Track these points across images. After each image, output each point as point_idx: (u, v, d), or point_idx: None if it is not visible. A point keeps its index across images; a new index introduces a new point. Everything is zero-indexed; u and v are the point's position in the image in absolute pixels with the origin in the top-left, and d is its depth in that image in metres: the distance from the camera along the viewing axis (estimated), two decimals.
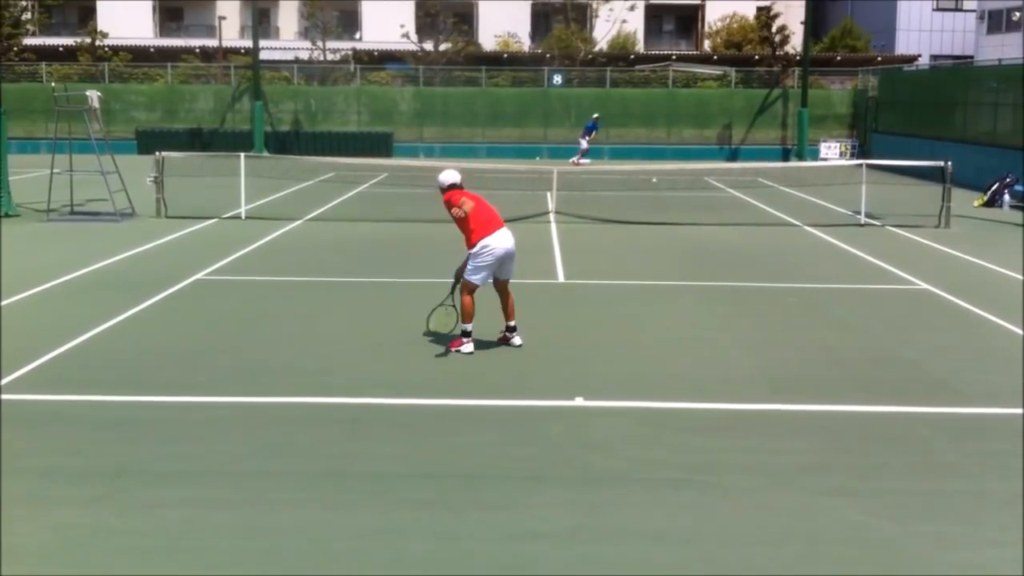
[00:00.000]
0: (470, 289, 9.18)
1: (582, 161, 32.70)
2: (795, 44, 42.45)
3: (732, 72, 40.11)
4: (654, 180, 26.57)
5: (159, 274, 12.98)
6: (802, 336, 10.21)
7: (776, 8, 43.99)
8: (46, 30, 50.43)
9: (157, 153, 19.89)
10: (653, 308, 11.53)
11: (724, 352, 9.56)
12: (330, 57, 45.20)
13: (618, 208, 20.98)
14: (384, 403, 7.84)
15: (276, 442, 6.91)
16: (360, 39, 52.61)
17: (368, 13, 55.33)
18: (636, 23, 52.99)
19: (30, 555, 5.20)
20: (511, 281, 9.54)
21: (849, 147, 36.33)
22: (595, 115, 34.21)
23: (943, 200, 18.54)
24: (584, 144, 33.32)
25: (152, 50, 45.70)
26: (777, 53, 41.42)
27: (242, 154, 21.02)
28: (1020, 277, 13.45)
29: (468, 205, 9.24)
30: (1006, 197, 22.08)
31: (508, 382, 8.48)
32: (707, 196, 24.54)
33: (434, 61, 41.38)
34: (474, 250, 9.12)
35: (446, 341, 9.62)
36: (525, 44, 52.62)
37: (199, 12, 55.97)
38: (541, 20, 55.61)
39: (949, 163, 18.90)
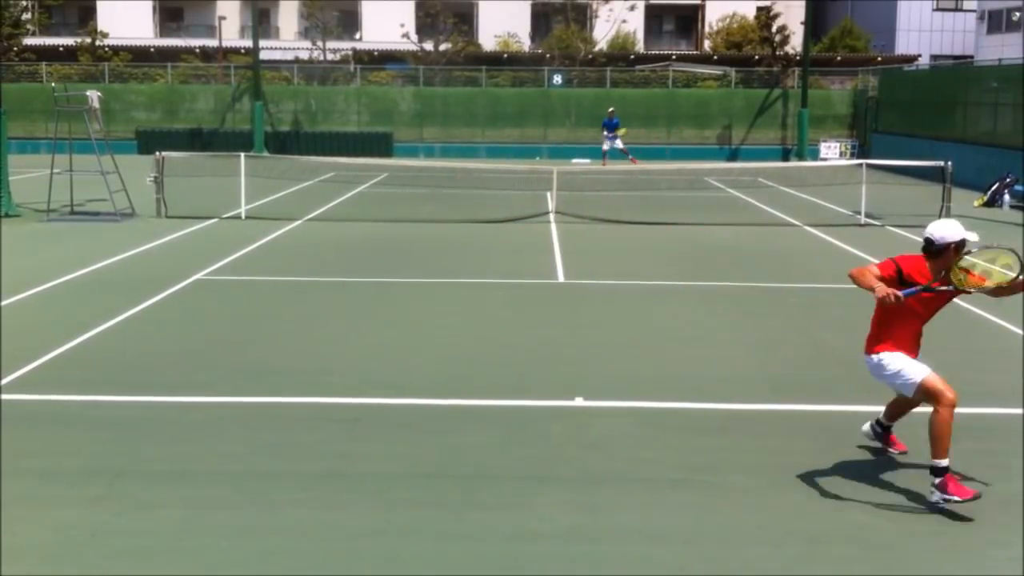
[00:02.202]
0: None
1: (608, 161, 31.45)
2: (795, 44, 42.45)
3: (732, 72, 40.11)
4: None
5: (159, 274, 12.99)
6: (802, 336, 10.21)
7: (776, 8, 43.99)
8: (46, 30, 50.44)
9: (157, 153, 19.90)
10: (653, 308, 11.53)
11: (724, 352, 9.56)
12: (330, 57, 45.21)
13: (618, 208, 20.98)
14: (384, 403, 7.84)
15: (276, 442, 6.90)
16: (360, 39, 52.60)
17: (368, 13, 55.32)
18: (636, 23, 53.00)
19: (30, 555, 5.20)
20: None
21: (849, 147, 36.33)
22: (610, 108, 33.27)
23: (943, 200, 18.54)
24: (618, 143, 31.97)
25: (152, 50, 45.72)
26: (777, 53, 41.41)
27: (242, 154, 21.02)
28: (1020, 277, 13.43)
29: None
30: (1006, 197, 22.08)
31: (508, 382, 8.48)
32: (707, 196, 24.54)
33: (434, 61, 41.38)
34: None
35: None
36: (525, 44, 52.61)
37: (199, 12, 55.97)
38: (541, 20, 55.60)
39: (949, 163, 18.90)
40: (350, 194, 23.71)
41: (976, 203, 22.29)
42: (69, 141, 19.11)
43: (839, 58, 44.54)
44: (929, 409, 5.79)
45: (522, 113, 38.20)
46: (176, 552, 5.25)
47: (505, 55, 45.67)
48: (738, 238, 17.25)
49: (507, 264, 14.38)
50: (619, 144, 32.13)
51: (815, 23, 43.38)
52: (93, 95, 19.60)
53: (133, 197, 19.19)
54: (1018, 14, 47.60)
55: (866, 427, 6.78)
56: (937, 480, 5.74)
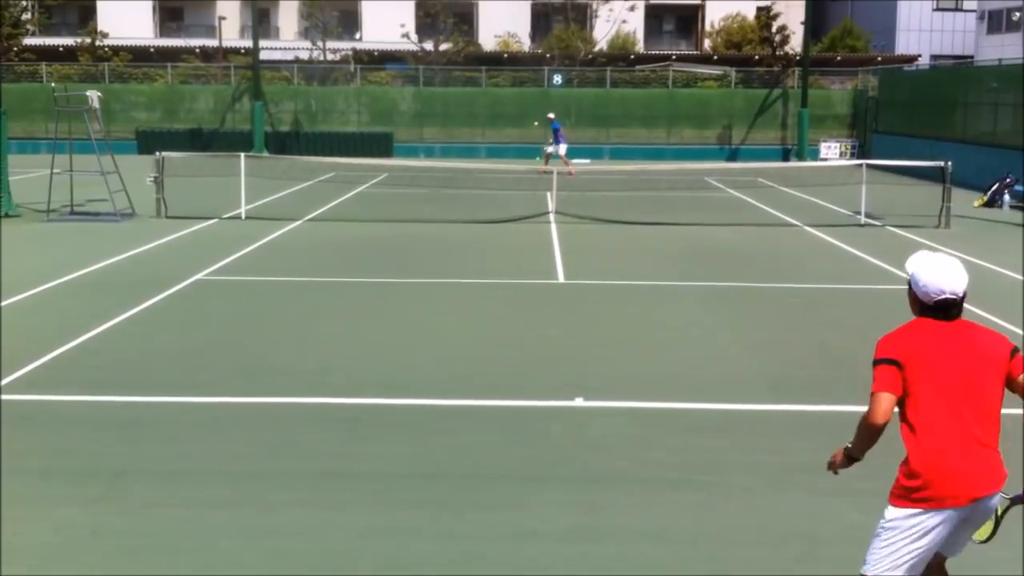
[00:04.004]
0: None
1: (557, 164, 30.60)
2: (795, 44, 42.45)
3: (732, 72, 40.10)
4: None
5: (159, 274, 12.98)
6: (802, 336, 10.21)
7: (776, 8, 43.98)
8: (46, 30, 50.39)
9: (157, 153, 19.90)
10: (653, 308, 11.53)
11: (724, 352, 9.55)
12: (330, 57, 45.20)
13: (618, 208, 20.98)
14: (384, 403, 7.84)
15: (276, 442, 6.90)
16: (360, 39, 52.58)
17: (368, 13, 55.30)
18: (636, 23, 52.98)
19: (30, 555, 5.20)
20: None
21: (849, 147, 36.33)
22: (550, 114, 31.45)
23: (943, 200, 18.55)
24: (549, 148, 30.46)
25: (152, 50, 45.70)
26: (777, 53, 41.41)
27: (242, 154, 21.02)
28: (1020, 277, 13.45)
29: (914, 383, 3.88)
30: (1006, 197, 22.08)
31: (508, 382, 8.48)
32: (707, 196, 24.54)
33: (434, 61, 41.37)
34: (891, 511, 3.92)
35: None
36: (525, 44, 52.61)
37: (199, 12, 55.95)
38: (541, 20, 55.59)
39: (949, 163, 18.91)
40: (350, 194, 23.71)
41: (976, 203, 22.29)
42: (69, 141, 19.10)
43: (839, 58, 44.53)
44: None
45: (522, 113, 38.13)
46: (176, 552, 5.25)
47: (505, 55, 45.65)
48: (738, 238, 17.25)
49: (507, 264, 14.38)
50: (549, 149, 30.66)
51: (815, 23, 43.34)
52: (93, 95, 19.59)
53: (133, 197, 19.19)
54: (1018, 14, 47.58)
55: None
56: None
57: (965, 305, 3.97)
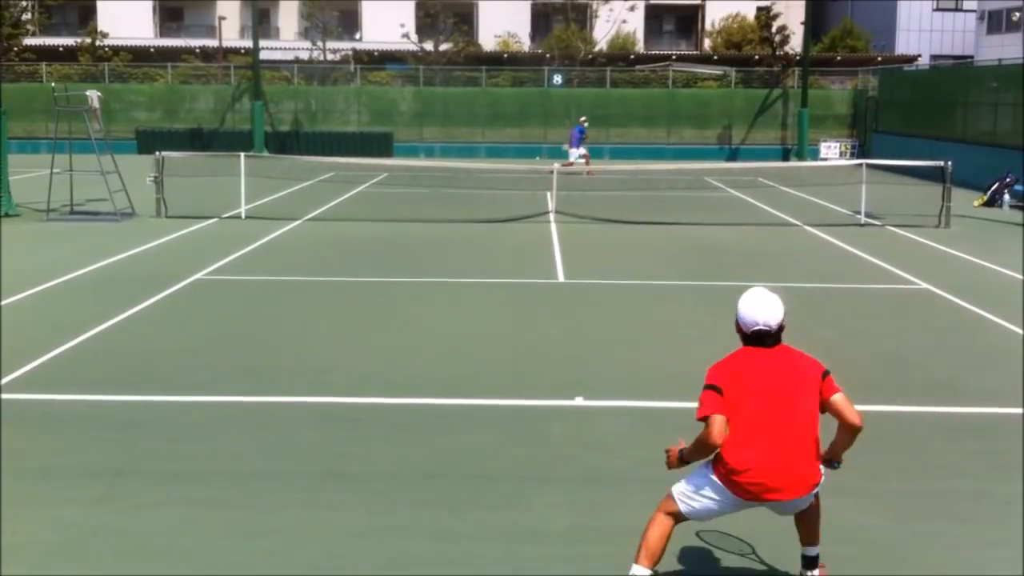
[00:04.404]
0: (670, 512, 4.67)
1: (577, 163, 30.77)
2: (795, 44, 42.46)
3: (732, 72, 40.11)
4: None
5: (159, 274, 12.98)
6: (802, 336, 10.17)
7: (776, 8, 43.98)
8: (46, 30, 50.40)
9: (157, 153, 19.90)
10: (653, 308, 11.52)
11: (724, 352, 9.50)
12: (330, 57, 45.22)
13: (618, 208, 20.97)
14: (384, 403, 7.84)
15: (276, 442, 6.90)
16: (360, 39, 52.60)
17: (368, 13, 55.32)
18: (636, 23, 53.00)
19: (30, 555, 5.20)
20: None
21: (849, 147, 36.33)
22: (583, 118, 31.42)
23: (943, 200, 18.54)
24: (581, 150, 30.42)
25: (152, 50, 45.70)
26: (777, 53, 41.41)
27: (242, 154, 21.02)
28: (1020, 277, 13.45)
29: (738, 404, 4.59)
30: (1006, 197, 22.08)
31: (508, 382, 8.47)
32: (707, 196, 24.54)
33: (434, 61, 41.38)
34: (709, 471, 4.61)
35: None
36: (525, 44, 52.62)
37: (199, 12, 55.96)
38: (541, 20, 55.61)
39: (949, 163, 18.91)
40: (350, 194, 23.71)
41: (976, 203, 22.30)
42: (69, 141, 19.11)
43: (839, 58, 44.52)
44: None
45: (522, 113, 38.18)
46: (176, 552, 5.25)
47: (505, 55, 45.65)
48: (738, 238, 17.25)
49: (507, 264, 14.38)
50: (572, 157, 30.39)
51: (815, 23, 43.32)
52: (93, 95, 19.59)
53: (133, 197, 19.19)
54: (1018, 14, 47.59)
55: None
56: None
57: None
